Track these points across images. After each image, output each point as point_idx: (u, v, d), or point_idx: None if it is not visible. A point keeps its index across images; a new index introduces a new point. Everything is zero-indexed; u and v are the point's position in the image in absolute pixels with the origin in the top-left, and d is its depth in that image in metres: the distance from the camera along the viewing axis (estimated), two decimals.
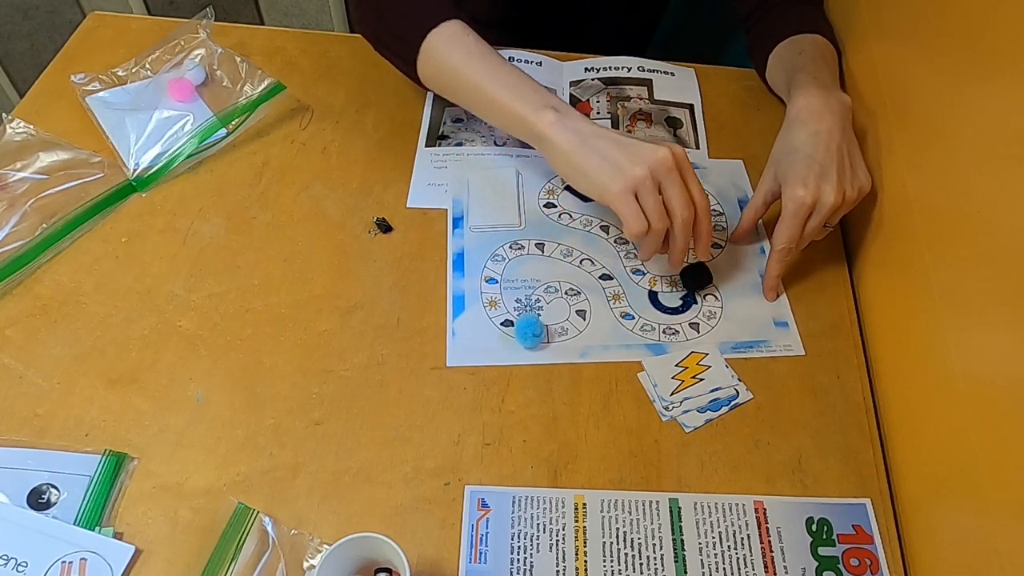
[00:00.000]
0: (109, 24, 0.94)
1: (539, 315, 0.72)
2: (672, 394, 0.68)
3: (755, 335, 0.72)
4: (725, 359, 0.70)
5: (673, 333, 0.72)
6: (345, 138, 0.86)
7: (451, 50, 0.76)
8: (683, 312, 0.74)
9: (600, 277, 0.76)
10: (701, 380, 0.69)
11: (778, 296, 0.75)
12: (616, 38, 1.09)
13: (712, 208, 0.82)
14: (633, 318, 0.73)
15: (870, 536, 0.62)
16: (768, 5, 0.88)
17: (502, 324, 0.72)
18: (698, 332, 0.73)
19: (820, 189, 0.69)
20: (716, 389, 0.69)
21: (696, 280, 0.75)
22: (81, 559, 0.57)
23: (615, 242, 0.79)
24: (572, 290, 0.75)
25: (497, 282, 0.75)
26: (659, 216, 0.67)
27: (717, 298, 0.75)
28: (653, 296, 0.75)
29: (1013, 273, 0.52)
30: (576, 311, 0.73)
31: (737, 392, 0.69)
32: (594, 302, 0.74)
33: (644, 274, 0.76)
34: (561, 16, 1.06)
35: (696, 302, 0.75)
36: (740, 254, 0.78)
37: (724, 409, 0.68)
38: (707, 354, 0.71)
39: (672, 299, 0.75)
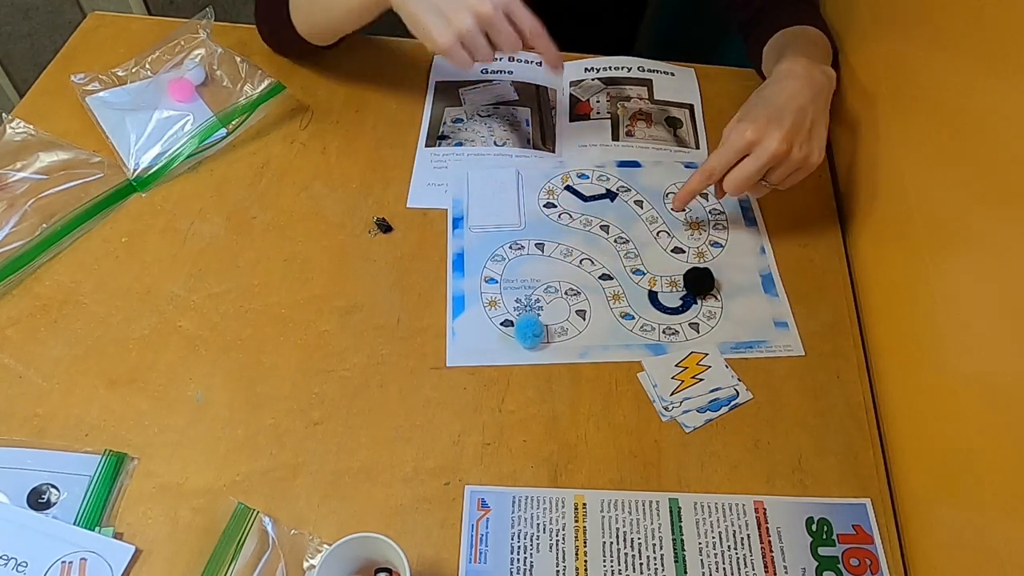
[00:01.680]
0: (109, 24, 0.94)
1: (539, 315, 0.72)
2: (672, 394, 0.68)
3: (755, 335, 0.72)
4: (725, 359, 0.70)
5: (673, 333, 0.72)
6: (345, 138, 0.86)
7: None
8: (683, 312, 0.74)
9: (600, 277, 0.76)
10: (701, 380, 0.69)
11: (683, 210, 0.76)
12: (601, 36, 1.10)
13: (712, 208, 0.82)
14: (633, 318, 0.73)
15: (870, 536, 0.62)
16: (765, 10, 0.89)
17: (502, 324, 0.72)
18: (698, 332, 0.73)
19: (766, 130, 0.68)
20: (716, 389, 0.69)
21: (699, 285, 0.74)
22: (81, 559, 0.57)
23: (615, 242, 0.79)
24: (572, 290, 0.74)
25: (497, 282, 0.75)
26: (487, 56, 0.72)
27: (717, 298, 0.75)
28: (653, 296, 0.75)
29: (1013, 273, 0.52)
30: (576, 311, 0.73)
31: (737, 392, 0.69)
32: (594, 302, 0.74)
33: (644, 274, 0.76)
34: (542, 15, 1.06)
35: (696, 302, 0.75)
36: (740, 255, 0.78)
37: (724, 409, 0.68)
38: (707, 354, 0.71)
39: (672, 299, 0.75)
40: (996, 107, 0.56)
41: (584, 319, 0.73)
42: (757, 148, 0.68)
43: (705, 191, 0.82)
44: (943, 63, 0.64)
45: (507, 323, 0.72)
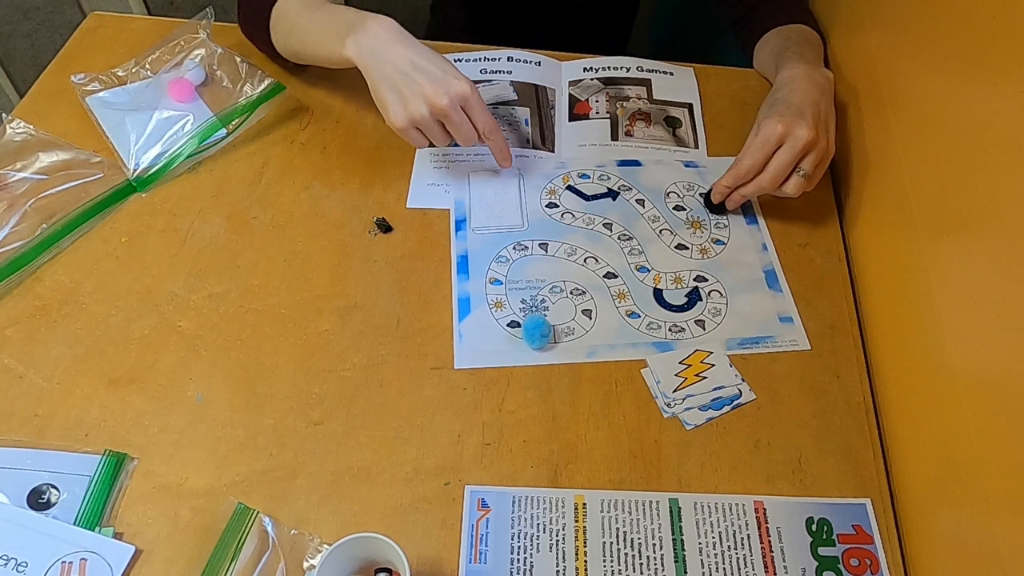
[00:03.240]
0: (109, 24, 0.94)
1: (545, 315, 0.72)
2: (675, 391, 0.68)
3: (760, 331, 0.72)
4: (730, 356, 0.70)
5: (679, 331, 0.72)
6: (345, 138, 0.86)
7: (283, 13, 0.80)
8: (688, 309, 0.74)
9: (605, 276, 0.76)
10: (704, 378, 0.69)
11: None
12: (596, 34, 1.10)
13: None
14: (639, 316, 0.73)
15: (870, 536, 0.62)
16: (757, 7, 0.90)
17: (508, 325, 0.72)
18: (704, 329, 0.72)
19: (793, 122, 0.72)
20: (719, 388, 0.69)
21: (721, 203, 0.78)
22: (81, 559, 0.56)
23: (618, 239, 0.79)
24: (577, 290, 0.74)
25: (502, 283, 0.75)
26: (441, 142, 0.74)
27: (722, 295, 0.75)
28: (658, 294, 0.75)
29: (1013, 272, 0.52)
30: (582, 311, 0.73)
31: (740, 392, 0.68)
32: (599, 301, 0.74)
33: (649, 271, 0.76)
34: (535, 18, 1.07)
35: (701, 299, 0.75)
36: (743, 251, 0.78)
37: (726, 408, 0.68)
38: (711, 352, 0.70)
39: (677, 296, 0.75)
40: (988, 100, 0.56)
41: (590, 318, 0.73)
42: (789, 139, 0.72)
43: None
44: (931, 57, 0.64)
45: (514, 324, 0.72)
